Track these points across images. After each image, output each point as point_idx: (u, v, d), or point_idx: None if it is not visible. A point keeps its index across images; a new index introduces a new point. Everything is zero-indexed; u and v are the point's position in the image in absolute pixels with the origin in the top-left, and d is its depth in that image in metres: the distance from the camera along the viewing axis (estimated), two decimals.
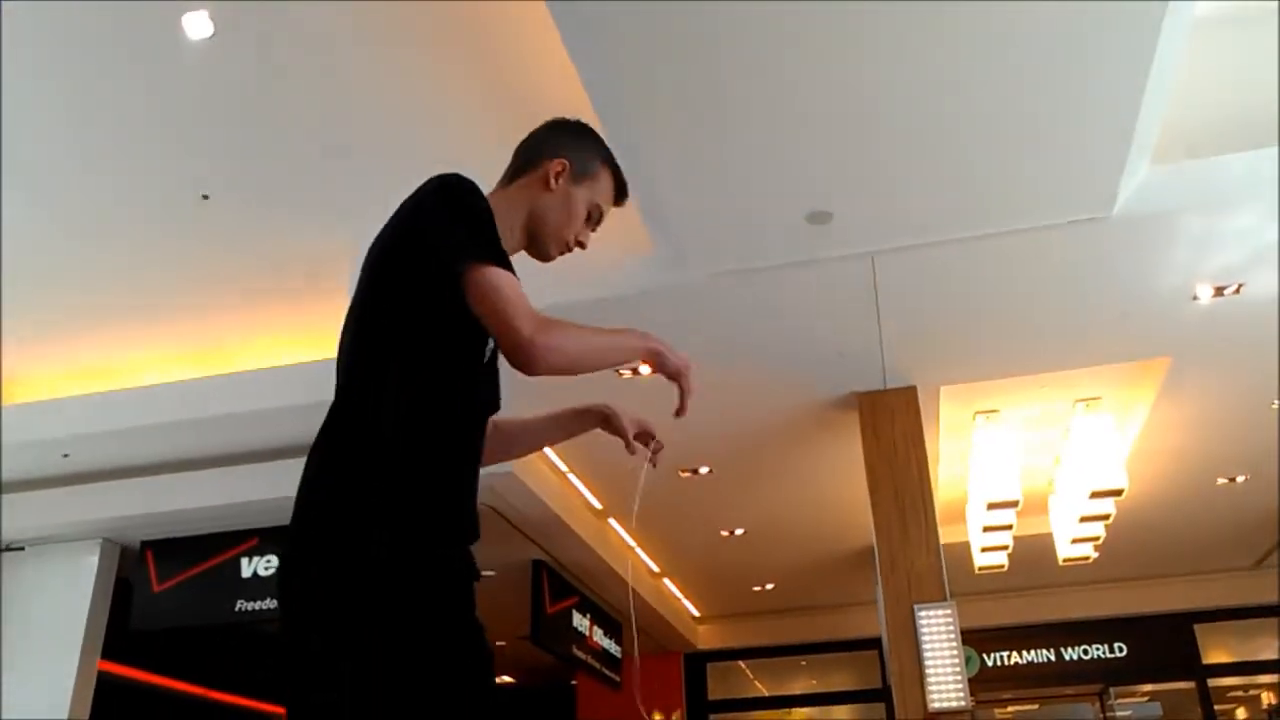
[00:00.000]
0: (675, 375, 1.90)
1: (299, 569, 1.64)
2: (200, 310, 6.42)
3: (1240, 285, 5.35)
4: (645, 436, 2.09)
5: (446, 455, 1.74)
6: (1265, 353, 6.09)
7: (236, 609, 7.48)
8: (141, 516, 7.56)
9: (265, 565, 7.56)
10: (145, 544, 7.84)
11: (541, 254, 2.03)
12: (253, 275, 6.07)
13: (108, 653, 7.75)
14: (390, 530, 1.62)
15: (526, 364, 1.68)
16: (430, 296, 1.71)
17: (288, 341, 6.69)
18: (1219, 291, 5.41)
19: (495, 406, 1.92)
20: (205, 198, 5.34)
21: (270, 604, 7.43)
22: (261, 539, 7.63)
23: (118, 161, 5.07)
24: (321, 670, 1.58)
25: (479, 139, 5.04)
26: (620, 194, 2.09)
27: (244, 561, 7.60)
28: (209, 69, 4.49)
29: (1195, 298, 5.46)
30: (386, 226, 1.84)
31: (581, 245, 2.06)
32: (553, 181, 1.98)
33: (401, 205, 1.83)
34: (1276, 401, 6.76)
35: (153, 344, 6.73)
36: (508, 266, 1.74)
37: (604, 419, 2.07)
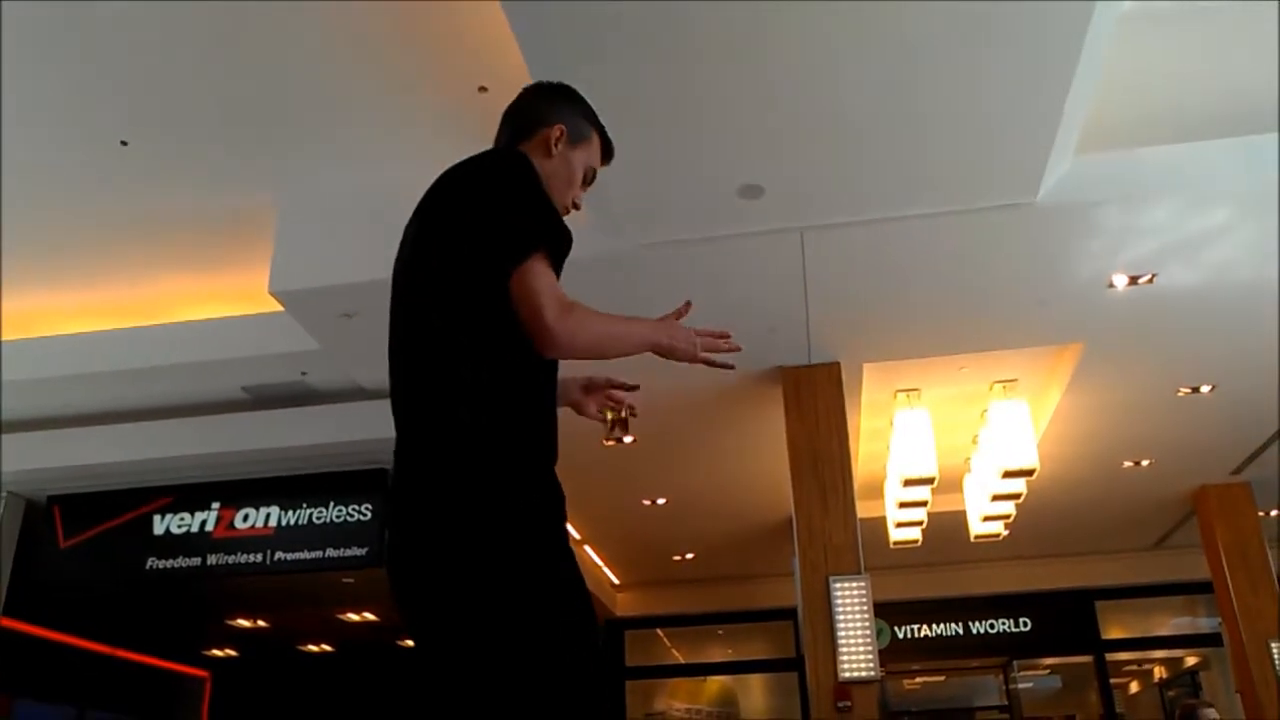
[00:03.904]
0: (689, 359, 2.01)
1: (419, 508, 1.73)
2: (117, 261, 6.22)
3: (1153, 275, 5.51)
4: (610, 398, 2.24)
5: (535, 398, 1.84)
6: (1174, 342, 6.30)
7: (147, 567, 7.33)
8: (49, 470, 7.36)
9: (179, 523, 7.41)
10: (52, 498, 7.64)
11: None
12: (173, 227, 5.90)
13: (10, 609, 7.54)
14: (499, 461, 1.72)
15: (547, 347, 1.79)
16: (496, 276, 1.80)
17: (207, 296, 6.53)
18: (1133, 281, 5.57)
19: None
20: (124, 144, 5.17)
21: (181, 562, 7.30)
22: (177, 496, 7.47)
23: (31, 100, 4.87)
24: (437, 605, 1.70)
25: (412, 102, 4.96)
26: (607, 154, 2.19)
27: (156, 519, 7.44)
28: (132, 7, 4.32)
29: (1111, 286, 5.61)
30: (447, 195, 1.92)
31: (577, 207, 2.15)
32: (553, 148, 2.06)
33: (459, 176, 1.93)
34: (1182, 389, 7.00)
35: (65, 292, 6.51)
36: (554, 244, 1.85)
37: (575, 405, 2.22)
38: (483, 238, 1.82)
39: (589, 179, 2.15)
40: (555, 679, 1.66)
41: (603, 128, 2.16)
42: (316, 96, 4.92)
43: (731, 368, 2.11)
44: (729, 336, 2.07)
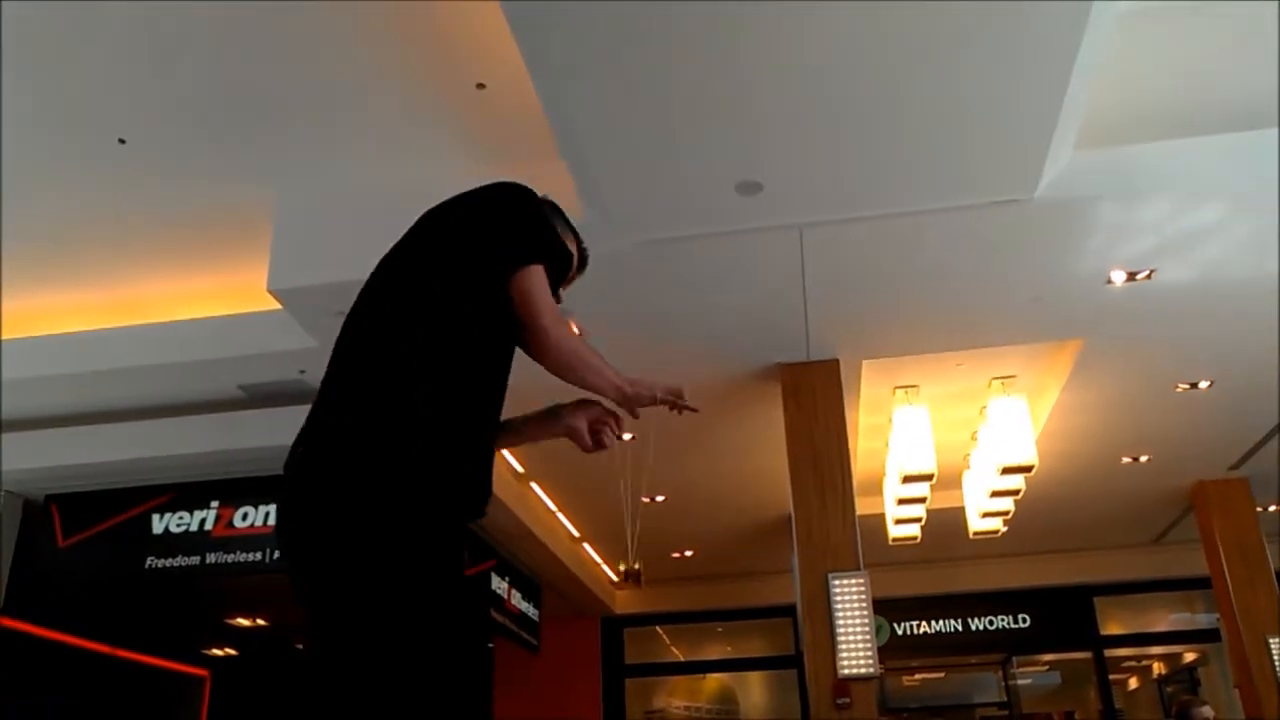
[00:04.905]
0: (650, 404, 2.08)
1: (320, 502, 1.77)
2: (115, 259, 6.21)
3: (1152, 271, 5.51)
4: (607, 423, 2.20)
5: (478, 428, 1.92)
6: (1172, 337, 6.30)
7: (146, 566, 7.32)
8: (47, 469, 7.34)
9: (177, 522, 7.40)
10: (50, 497, 7.62)
11: None
12: (171, 225, 5.89)
13: (9, 608, 7.53)
14: (418, 486, 1.77)
15: (542, 346, 1.94)
16: (489, 287, 1.93)
17: (205, 294, 6.52)
18: (1131, 277, 5.57)
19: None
20: (122, 142, 5.16)
21: (180, 561, 7.29)
22: (175, 495, 7.46)
23: (28, 99, 4.86)
24: (325, 601, 1.73)
25: (410, 100, 4.95)
26: (583, 261, 2.32)
27: (155, 518, 7.43)
28: (129, 6, 4.31)
29: (1109, 282, 5.61)
30: (452, 211, 2.06)
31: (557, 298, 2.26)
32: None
33: (467, 197, 2.08)
34: (1181, 385, 7.00)
35: (62, 291, 6.50)
36: (554, 264, 2.04)
37: (569, 431, 2.19)
38: (489, 239, 1.97)
39: (569, 282, 2.27)
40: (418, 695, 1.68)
41: (579, 236, 2.29)
42: (314, 94, 4.91)
43: (696, 410, 2.19)
44: (683, 397, 2.13)
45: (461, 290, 1.92)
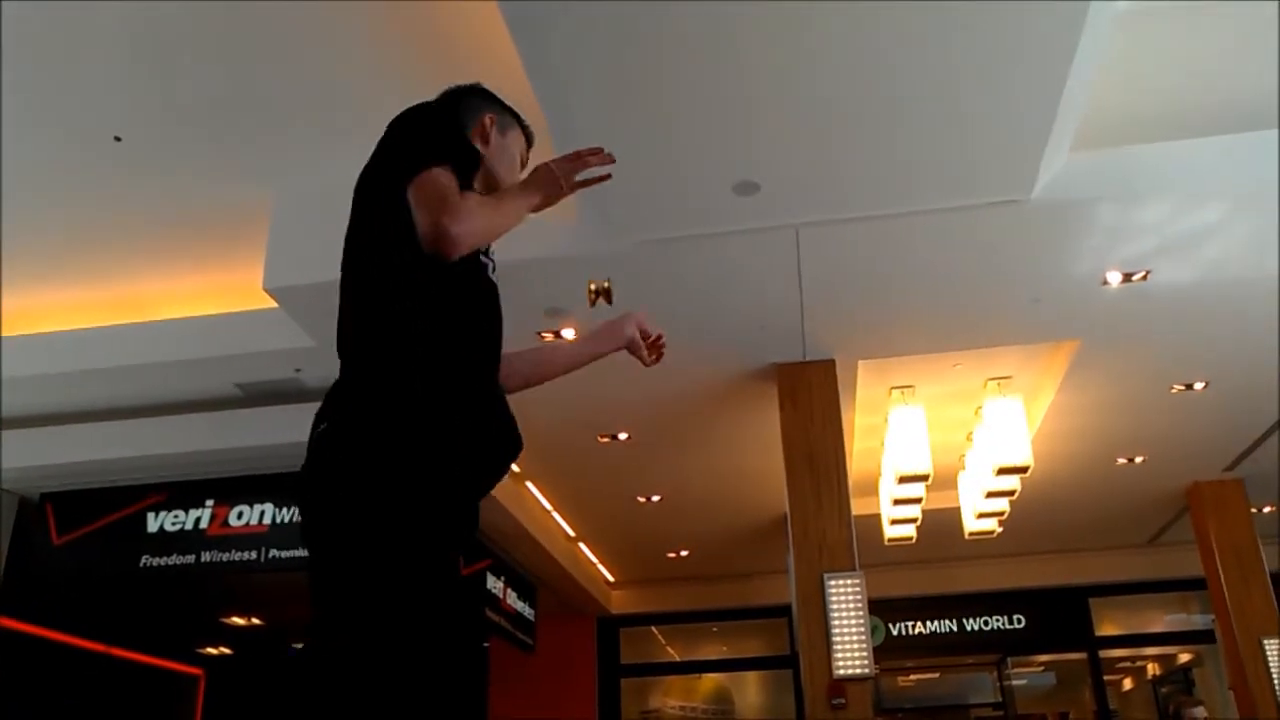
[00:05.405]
0: (566, 194, 2.02)
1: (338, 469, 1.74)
2: (111, 257, 6.20)
3: (1148, 273, 5.52)
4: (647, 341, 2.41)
5: (477, 383, 1.90)
6: (1168, 339, 6.31)
7: (141, 564, 7.31)
8: (42, 467, 7.33)
9: (172, 520, 7.39)
10: (45, 495, 7.61)
11: None
12: (167, 223, 5.88)
13: (3, 607, 7.52)
14: (431, 462, 1.76)
15: (444, 245, 1.81)
16: (400, 207, 1.87)
17: (202, 292, 6.52)
18: (1127, 278, 5.57)
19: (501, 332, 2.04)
20: (118, 139, 5.15)
21: (175, 559, 7.27)
22: (170, 494, 7.45)
23: (25, 97, 4.84)
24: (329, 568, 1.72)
25: (406, 98, 4.94)
26: (529, 140, 2.27)
27: (149, 516, 7.41)
28: (127, 5, 4.30)
29: (1105, 283, 5.62)
30: (376, 161, 2.04)
31: None
32: (490, 135, 2.15)
33: (379, 144, 2.07)
34: (1176, 386, 7.01)
35: (57, 289, 6.49)
36: (455, 157, 1.93)
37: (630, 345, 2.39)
38: (387, 176, 1.93)
39: (523, 164, 2.23)
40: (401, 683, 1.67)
41: (519, 115, 2.24)
42: (313, 94, 4.90)
43: (608, 177, 2.09)
44: (599, 151, 2.02)
45: (392, 251, 1.89)
